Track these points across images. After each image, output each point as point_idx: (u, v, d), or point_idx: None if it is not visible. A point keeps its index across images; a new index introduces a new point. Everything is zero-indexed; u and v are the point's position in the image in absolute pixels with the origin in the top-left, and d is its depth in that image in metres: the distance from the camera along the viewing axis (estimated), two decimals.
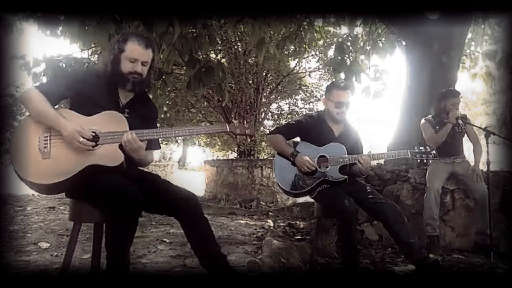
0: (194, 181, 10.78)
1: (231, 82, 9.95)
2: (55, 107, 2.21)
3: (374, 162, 4.47)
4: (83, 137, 2.06)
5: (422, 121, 4.01)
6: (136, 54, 2.24)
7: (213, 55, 9.67)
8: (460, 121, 3.77)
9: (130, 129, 2.19)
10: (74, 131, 2.06)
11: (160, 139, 2.50)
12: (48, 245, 3.64)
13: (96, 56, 6.25)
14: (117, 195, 1.99)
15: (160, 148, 2.55)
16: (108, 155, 2.11)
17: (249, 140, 10.44)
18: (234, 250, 3.64)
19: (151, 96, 6.06)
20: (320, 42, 9.18)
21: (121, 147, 2.14)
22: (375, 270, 3.11)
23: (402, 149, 2.98)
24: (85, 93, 2.22)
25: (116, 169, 2.11)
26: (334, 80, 6.00)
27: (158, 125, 2.61)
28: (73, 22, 4.01)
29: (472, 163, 3.87)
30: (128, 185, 2.05)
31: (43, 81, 4.71)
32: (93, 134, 2.11)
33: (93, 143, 2.09)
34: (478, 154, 3.88)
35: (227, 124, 2.42)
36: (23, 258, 3.19)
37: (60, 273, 2.20)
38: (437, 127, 3.87)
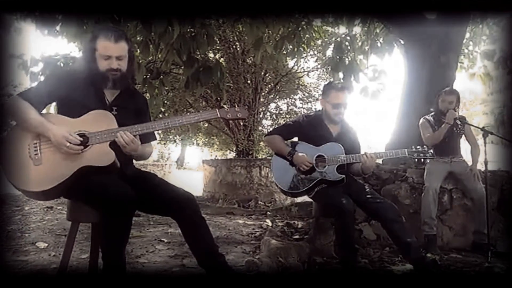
0: (193, 181, 10.79)
1: (229, 81, 9.95)
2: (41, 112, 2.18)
3: None
4: (70, 142, 2.04)
5: (421, 120, 4.02)
6: (108, 50, 2.18)
7: (211, 55, 9.67)
8: (458, 122, 3.79)
9: (122, 125, 2.17)
10: (60, 137, 2.04)
11: (156, 133, 2.46)
12: (46, 245, 3.63)
13: None
14: (106, 196, 1.98)
15: (156, 139, 2.52)
16: (99, 155, 2.10)
17: (247, 140, 10.45)
18: (232, 249, 3.63)
19: (148, 96, 6.09)
20: (319, 42, 9.20)
21: (111, 145, 2.13)
22: (373, 269, 3.11)
23: (400, 149, 2.98)
24: (71, 95, 2.19)
25: (109, 168, 2.10)
26: (331, 80, 6.00)
27: (152, 119, 2.57)
28: (71, 22, 4.01)
29: (470, 163, 3.88)
30: (119, 186, 2.04)
31: (41, 80, 4.70)
32: (82, 135, 2.10)
33: (81, 147, 2.07)
34: (476, 155, 3.89)
35: (217, 110, 2.35)
36: (21, 258, 3.18)
37: (58, 273, 2.19)
38: (436, 127, 3.88)
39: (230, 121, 10.36)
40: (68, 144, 2.04)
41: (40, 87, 2.28)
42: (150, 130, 2.25)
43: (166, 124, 2.29)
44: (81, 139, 2.09)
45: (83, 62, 2.26)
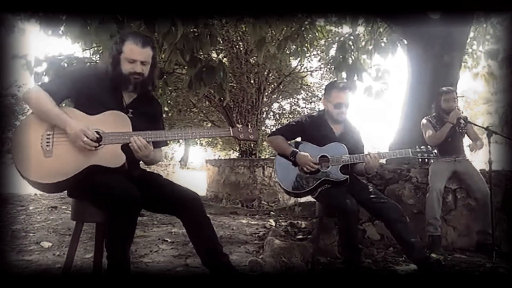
0: (196, 181, 10.77)
1: (232, 81, 9.95)
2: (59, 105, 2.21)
3: None
4: (87, 137, 2.06)
5: (423, 120, 4.02)
6: (134, 54, 2.22)
7: (214, 55, 9.67)
8: (461, 121, 3.78)
9: (135, 129, 2.18)
10: (79, 130, 2.05)
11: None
12: (50, 244, 3.65)
13: (98, 55, 6.27)
14: (112, 196, 1.99)
15: (167, 145, 2.55)
16: (110, 156, 2.11)
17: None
18: (236, 249, 3.64)
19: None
20: (322, 42, 9.18)
21: (122, 147, 2.14)
22: (377, 269, 3.11)
23: (404, 148, 2.97)
24: (89, 92, 2.22)
25: (117, 170, 2.11)
26: (333, 80, 6.00)
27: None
28: (75, 22, 4.02)
29: (473, 163, 3.87)
30: (126, 186, 2.05)
31: (45, 80, 4.72)
32: (97, 134, 2.11)
33: (96, 144, 2.09)
34: (478, 142, 3.89)
35: (231, 128, 2.41)
36: (25, 257, 3.20)
37: (62, 272, 2.20)
38: (438, 127, 3.88)
39: (234, 120, 10.38)
40: (85, 138, 2.05)
41: (62, 81, 2.30)
42: (163, 138, 2.29)
43: (179, 135, 2.34)
44: (98, 134, 2.11)
45: (106, 62, 2.29)
